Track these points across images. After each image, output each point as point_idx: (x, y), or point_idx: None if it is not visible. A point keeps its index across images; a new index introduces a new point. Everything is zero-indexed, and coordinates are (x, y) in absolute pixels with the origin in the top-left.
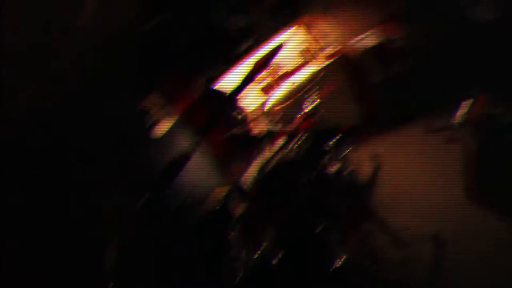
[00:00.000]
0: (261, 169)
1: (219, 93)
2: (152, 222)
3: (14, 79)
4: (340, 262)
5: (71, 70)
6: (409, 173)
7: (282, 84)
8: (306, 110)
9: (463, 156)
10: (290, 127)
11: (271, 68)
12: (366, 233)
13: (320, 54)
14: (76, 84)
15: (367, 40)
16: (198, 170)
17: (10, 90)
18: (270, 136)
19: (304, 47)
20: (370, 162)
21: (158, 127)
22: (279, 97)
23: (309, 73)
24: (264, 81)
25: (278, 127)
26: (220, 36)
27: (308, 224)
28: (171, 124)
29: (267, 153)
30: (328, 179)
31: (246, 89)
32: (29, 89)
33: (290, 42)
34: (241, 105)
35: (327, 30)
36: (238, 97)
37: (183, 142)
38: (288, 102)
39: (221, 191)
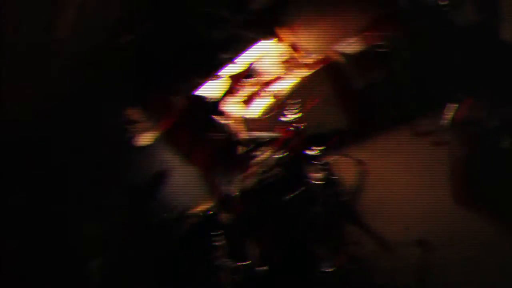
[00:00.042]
0: (246, 180)
1: (202, 101)
2: (138, 234)
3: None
4: (328, 269)
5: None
6: (395, 178)
7: (264, 94)
8: (289, 120)
9: (450, 160)
10: (273, 137)
11: (253, 78)
12: (353, 239)
13: (302, 63)
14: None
15: (349, 47)
16: (183, 183)
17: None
18: (254, 147)
19: (285, 56)
20: (356, 168)
21: (140, 138)
22: (261, 108)
23: (291, 83)
24: (246, 91)
25: (261, 138)
26: (201, 46)
27: (295, 232)
28: (155, 136)
29: (251, 164)
30: (314, 187)
31: (227, 99)
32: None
33: (272, 52)
34: (224, 115)
35: (308, 39)
36: (220, 106)
37: (167, 155)
38: (271, 112)
39: (205, 204)
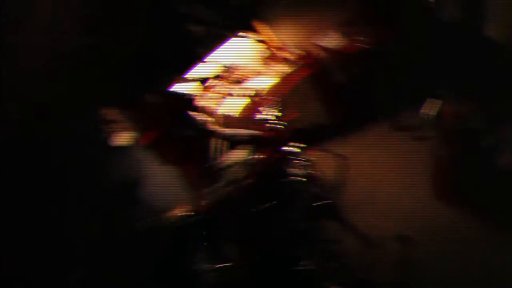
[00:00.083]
0: (222, 181)
1: (178, 98)
2: (118, 238)
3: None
4: (308, 266)
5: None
6: (376, 174)
7: (243, 91)
8: (269, 117)
9: (432, 156)
10: (252, 135)
11: (231, 74)
12: (334, 236)
13: (282, 58)
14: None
15: (330, 41)
16: (162, 184)
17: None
18: (232, 145)
19: (264, 52)
20: (337, 163)
21: (116, 140)
22: (239, 105)
23: (271, 79)
24: (224, 88)
25: (239, 136)
26: (178, 42)
27: (274, 230)
28: (133, 136)
29: (226, 163)
30: (293, 184)
31: (204, 96)
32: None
33: (250, 47)
34: (201, 112)
35: (288, 34)
36: (197, 103)
37: (145, 155)
38: (249, 110)
39: (185, 207)
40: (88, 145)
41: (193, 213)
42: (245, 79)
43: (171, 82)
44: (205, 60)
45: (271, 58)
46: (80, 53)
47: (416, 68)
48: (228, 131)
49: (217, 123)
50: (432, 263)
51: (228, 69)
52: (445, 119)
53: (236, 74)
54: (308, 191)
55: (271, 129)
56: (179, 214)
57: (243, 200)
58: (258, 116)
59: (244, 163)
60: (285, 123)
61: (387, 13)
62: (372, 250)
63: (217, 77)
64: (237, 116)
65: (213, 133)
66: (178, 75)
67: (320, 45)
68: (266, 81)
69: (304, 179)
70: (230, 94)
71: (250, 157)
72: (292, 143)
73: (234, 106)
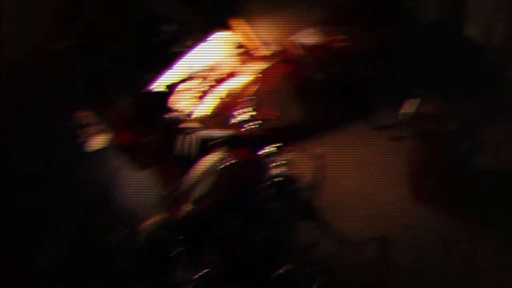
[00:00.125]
0: (198, 183)
1: (151, 98)
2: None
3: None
4: (286, 269)
5: None
6: (354, 173)
7: (218, 89)
8: (244, 117)
9: (410, 156)
10: (227, 135)
11: (206, 72)
12: (311, 238)
13: (258, 56)
14: None
15: (308, 38)
16: (136, 189)
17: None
18: (206, 145)
19: (240, 49)
20: (313, 164)
21: (91, 143)
22: (214, 104)
23: (246, 77)
24: (198, 87)
25: (214, 136)
26: (151, 40)
27: (251, 233)
28: (105, 141)
29: (203, 165)
30: (271, 185)
31: (179, 96)
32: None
33: (226, 45)
34: (175, 112)
35: (265, 30)
36: (171, 103)
37: (116, 160)
38: (224, 110)
39: (160, 213)
40: (61, 149)
41: (168, 221)
42: (221, 78)
43: (146, 83)
44: (180, 59)
45: (248, 56)
46: (54, 54)
47: (396, 68)
48: (203, 131)
49: (193, 123)
50: (410, 263)
51: (204, 68)
52: (423, 119)
53: (212, 73)
54: (286, 192)
55: (247, 129)
56: (154, 223)
57: (219, 206)
58: (234, 115)
59: (219, 164)
60: (261, 123)
61: (366, 13)
62: (350, 251)
63: (193, 76)
64: (213, 116)
65: (188, 133)
66: (153, 75)
67: (298, 43)
68: (243, 80)
69: (281, 180)
70: (206, 94)
71: (225, 159)
72: (269, 143)
73: (210, 105)
